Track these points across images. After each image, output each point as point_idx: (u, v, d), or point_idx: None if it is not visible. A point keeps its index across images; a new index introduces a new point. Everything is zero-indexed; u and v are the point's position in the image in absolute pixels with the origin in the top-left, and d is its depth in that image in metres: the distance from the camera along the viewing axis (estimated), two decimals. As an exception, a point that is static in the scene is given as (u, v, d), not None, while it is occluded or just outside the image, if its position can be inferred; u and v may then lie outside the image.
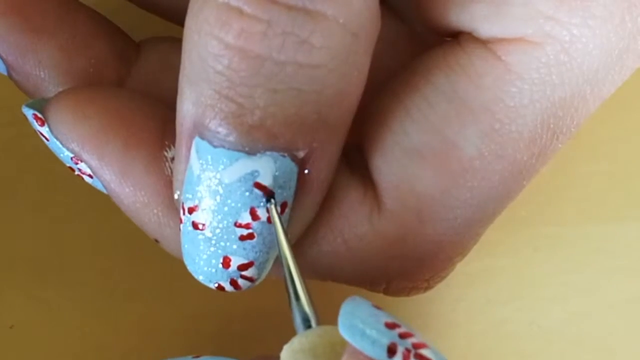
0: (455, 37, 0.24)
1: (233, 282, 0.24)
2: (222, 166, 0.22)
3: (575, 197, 0.32)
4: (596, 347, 0.31)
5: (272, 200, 0.22)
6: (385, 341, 0.20)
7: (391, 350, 0.20)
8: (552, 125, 0.23)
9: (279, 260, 0.23)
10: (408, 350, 0.20)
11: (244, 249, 0.23)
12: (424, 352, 0.20)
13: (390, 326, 0.20)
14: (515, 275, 0.31)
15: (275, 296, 0.28)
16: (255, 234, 0.23)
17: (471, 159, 0.23)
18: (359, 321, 0.20)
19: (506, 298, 0.31)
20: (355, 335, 0.20)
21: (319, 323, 0.22)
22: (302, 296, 0.22)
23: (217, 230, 0.23)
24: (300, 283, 0.22)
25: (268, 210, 0.23)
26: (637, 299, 0.31)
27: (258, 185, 0.22)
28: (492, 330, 0.31)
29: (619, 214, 0.32)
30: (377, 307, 0.21)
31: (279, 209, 0.23)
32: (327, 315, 0.22)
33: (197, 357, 0.25)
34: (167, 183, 0.24)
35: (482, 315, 0.31)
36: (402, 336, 0.20)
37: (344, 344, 0.20)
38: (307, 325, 0.22)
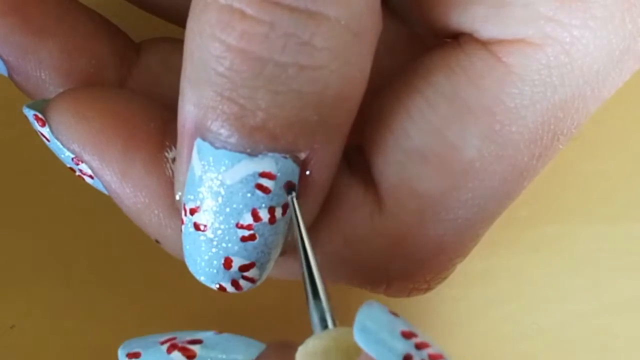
0: (456, 39, 0.24)
1: (234, 283, 0.24)
2: (223, 167, 0.22)
3: (575, 197, 0.32)
4: (596, 347, 0.31)
5: (293, 193, 0.22)
6: (401, 351, 0.19)
7: None
8: (552, 127, 0.23)
9: (298, 257, 0.22)
10: None
11: (246, 249, 0.23)
12: None
13: (407, 335, 0.20)
14: (515, 275, 0.31)
15: (276, 296, 0.28)
16: (256, 235, 0.23)
17: (472, 160, 0.23)
18: (374, 328, 0.20)
19: (507, 298, 0.31)
20: (370, 343, 0.20)
21: (335, 323, 0.21)
22: (321, 295, 0.22)
23: (219, 232, 0.23)
24: (320, 281, 0.22)
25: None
26: (638, 299, 0.31)
27: (260, 187, 0.22)
28: (492, 330, 0.31)
29: (620, 214, 0.32)
30: (395, 314, 0.21)
31: (296, 206, 0.22)
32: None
33: (219, 333, 0.25)
34: (168, 184, 0.24)
35: (483, 315, 0.31)
36: (419, 346, 0.20)
37: (358, 348, 0.20)
38: (324, 325, 0.21)
